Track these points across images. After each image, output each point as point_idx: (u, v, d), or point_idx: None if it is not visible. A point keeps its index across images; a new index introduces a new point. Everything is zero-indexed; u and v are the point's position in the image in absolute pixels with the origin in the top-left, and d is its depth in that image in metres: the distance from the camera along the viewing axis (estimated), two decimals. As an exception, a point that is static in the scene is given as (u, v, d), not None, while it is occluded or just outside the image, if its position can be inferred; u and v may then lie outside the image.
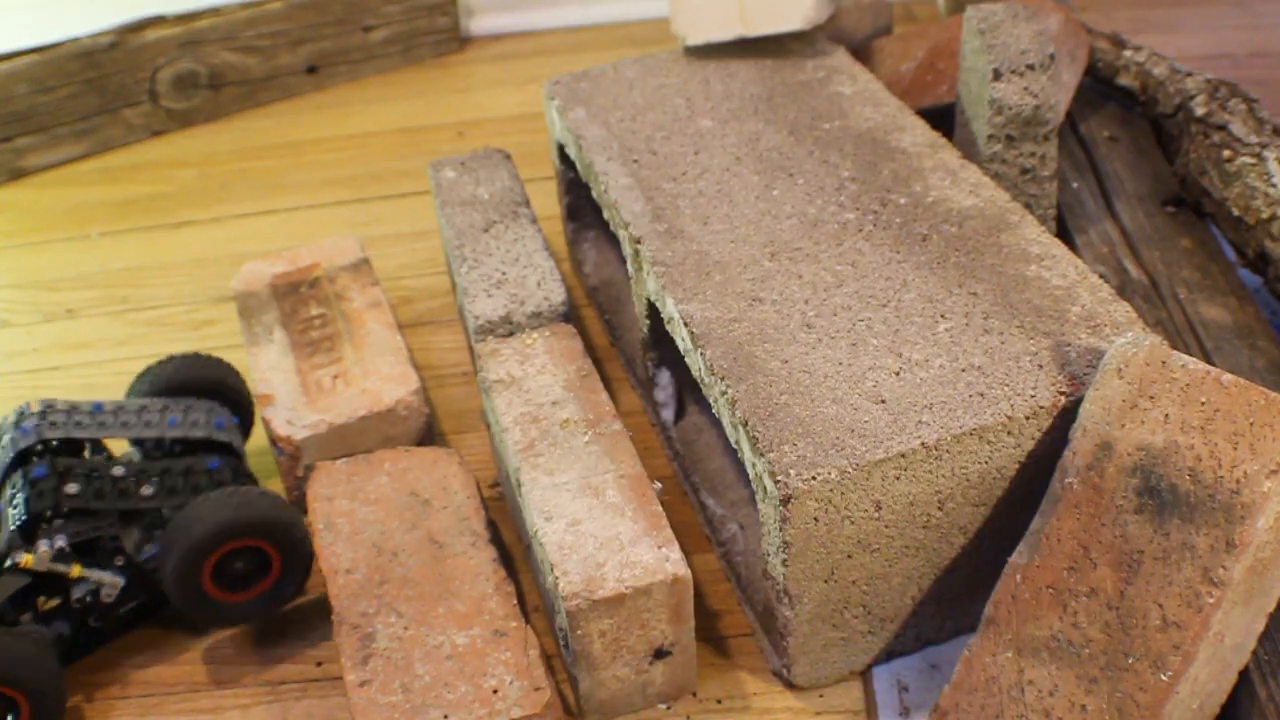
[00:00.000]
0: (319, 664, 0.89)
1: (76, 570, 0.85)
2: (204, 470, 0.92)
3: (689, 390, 1.02)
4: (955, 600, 0.83)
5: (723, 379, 0.80)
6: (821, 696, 0.83)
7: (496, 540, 0.89)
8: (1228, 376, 0.68)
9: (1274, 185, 1.01)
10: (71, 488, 0.87)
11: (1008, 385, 0.77)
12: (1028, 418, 0.75)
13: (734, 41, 1.17)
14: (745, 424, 0.77)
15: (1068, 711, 0.70)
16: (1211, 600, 0.65)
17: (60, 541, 0.85)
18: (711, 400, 0.83)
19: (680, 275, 0.89)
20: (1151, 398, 0.70)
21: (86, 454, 0.93)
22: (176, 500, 0.90)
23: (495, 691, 0.77)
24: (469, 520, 0.89)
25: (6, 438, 0.90)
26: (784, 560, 0.76)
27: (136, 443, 0.96)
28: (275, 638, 0.91)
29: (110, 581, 0.87)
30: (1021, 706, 0.71)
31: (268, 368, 1.03)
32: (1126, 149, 1.22)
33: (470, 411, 1.10)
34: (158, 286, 1.32)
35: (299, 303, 1.10)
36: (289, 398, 1.00)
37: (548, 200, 1.29)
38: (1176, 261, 1.05)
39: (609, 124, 1.07)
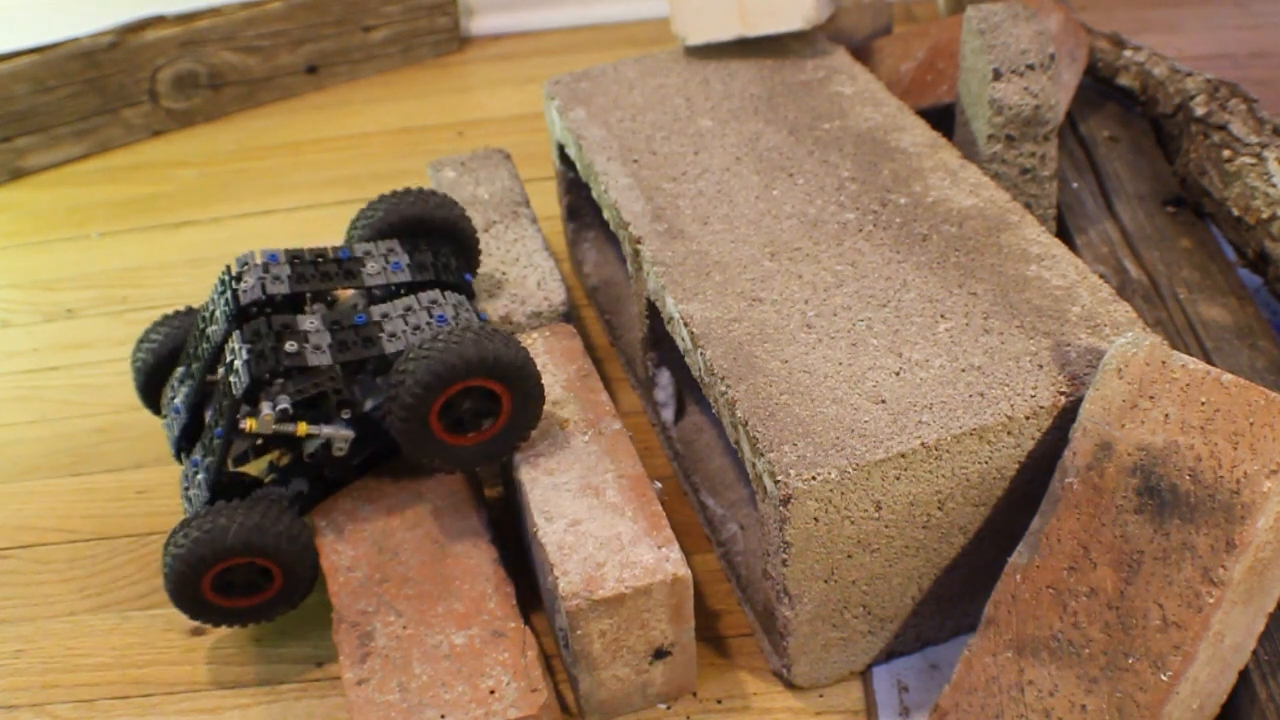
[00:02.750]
0: (319, 664, 0.89)
1: (303, 429, 0.83)
2: (427, 312, 0.87)
3: (689, 390, 1.02)
4: (955, 600, 0.83)
5: (723, 379, 0.80)
6: (821, 696, 0.83)
7: (497, 540, 0.89)
8: (1228, 376, 0.68)
9: (1274, 185, 1.01)
10: (291, 346, 0.83)
11: (1008, 385, 0.77)
12: (1028, 418, 0.75)
13: (734, 41, 1.17)
14: (745, 424, 0.77)
15: (1068, 711, 0.70)
16: (1211, 600, 0.65)
17: (283, 403, 0.82)
18: (711, 400, 0.83)
19: (680, 275, 0.89)
20: (1151, 398, 0.70)
21: (307, 307, 0.90)
22: (400, 345, 0.85)
23: (492, 692, 0.77)
24: (470, 519, 0.89)
25: (228, 293, 0.87)
26: (784, 560, 0.76)
27: (361, 292, 0.92)
28: (275, 638, 0.91)
29: (340, 436, 0.84)
30: (1021, 706, 0.71)
31: (268, 368, 1.03)
32: (1126, 149, 1.22)
33: (470, 411, 1.10)
34: (158, 286, 1.32)
35: (299, 303, 1.10)
36: (289, 398, 1.00)
37: (548, 200, 1.29)
38: (1176, 261, 1.05)
39: (609, 124, 1.07)
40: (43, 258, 1.39)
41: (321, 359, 0.83)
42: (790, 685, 0.84)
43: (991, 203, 0.93)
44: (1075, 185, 1.16)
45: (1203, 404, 0.68)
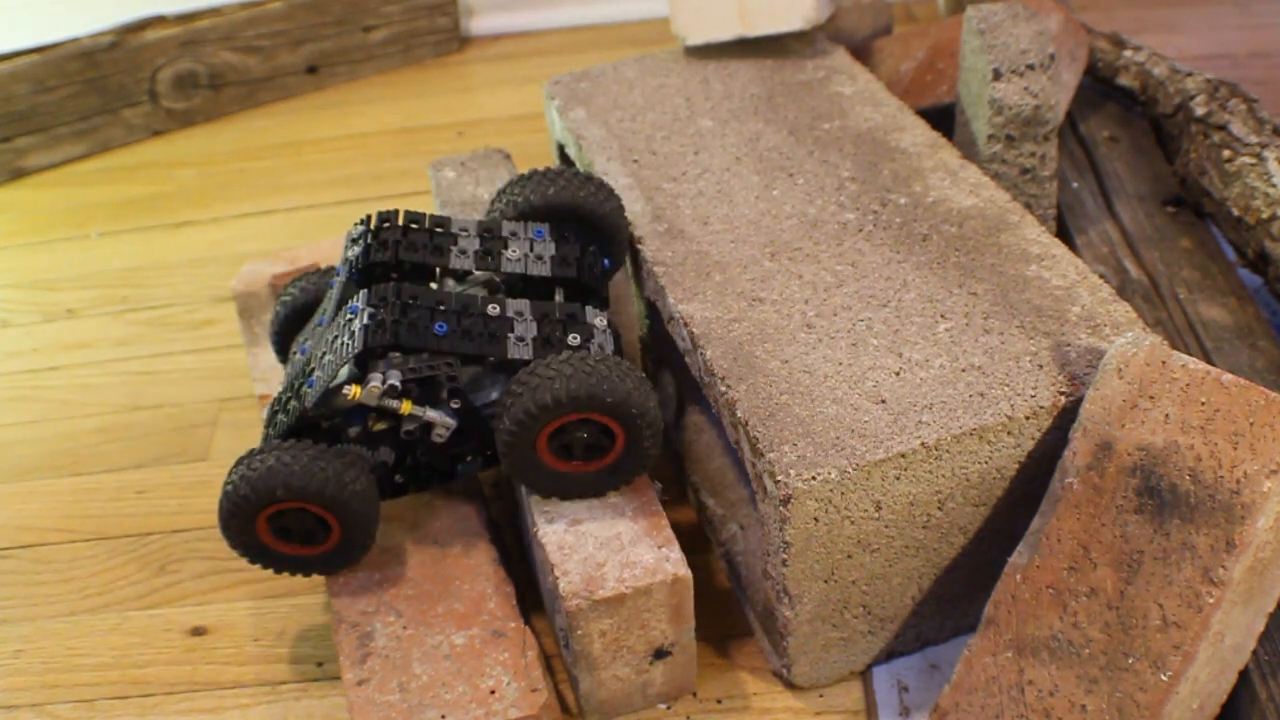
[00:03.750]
0: (319, 664, 0.89)
1: (406, 407, 0.79)
2: (563, 326, 0.82)
3: (689, 390, 1.02)
4: (955, 600, 0.83)
5: (723, 379, 0.80)
6: (821, 696, 0.83)
7: (497, 540, 0.89)
8: (1228, 376, 0.68)
9: (1274, 185, 1.01)
10: (413, 320, 0.78)
11: (1008, 385, 0.77)
12: (1028, 418, 0.75)
13: (734, 41, 1.17)
14: (745, 424, 0.77)
15: (1068, 711, 0.70)
16: (1211, 600, 0.65)
17: (394, 378, 0.78)
18: (711, 400, 0.83)
19: (680, 275, 0.89)
20: (1151, 398, 0.70)
21: (437, 280, 0.86)
22: (525, 353, 0.80)
23: (492, 692, 0.77)
24: (470, 520, 0.89)
25: (360, 247, 0.83)
26: (784, 560, 0.76)
27: (495, 275, 0.87)
28: (275, 638, 0.91)
29: (443, 423, 0.80)
30: (1021, 706, 0.71)
31: (268, 367, 1.03)
32: (1126, 149, 1.22)
33: (470, 411, 1.10)
34: (158, 286, 1.32)
35: (299, 303, 1.10)
36: (289, 398, 1.00)
37: (548, 200, 1.29)
38: (1176, 261, 1.05)
39: (609, 124, 1.07)
40: (43, 258, 1.39)
41: (441, 344, 0.78)
42: (790, 685, 0.84)
43: (991, 203, 0.93)
44: (1075, 185, 1.16)
45: (1203, 404, 0.68)
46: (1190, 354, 0.92)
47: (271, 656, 0.90)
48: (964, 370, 0.79)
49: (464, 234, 0.85)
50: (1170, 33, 1.58)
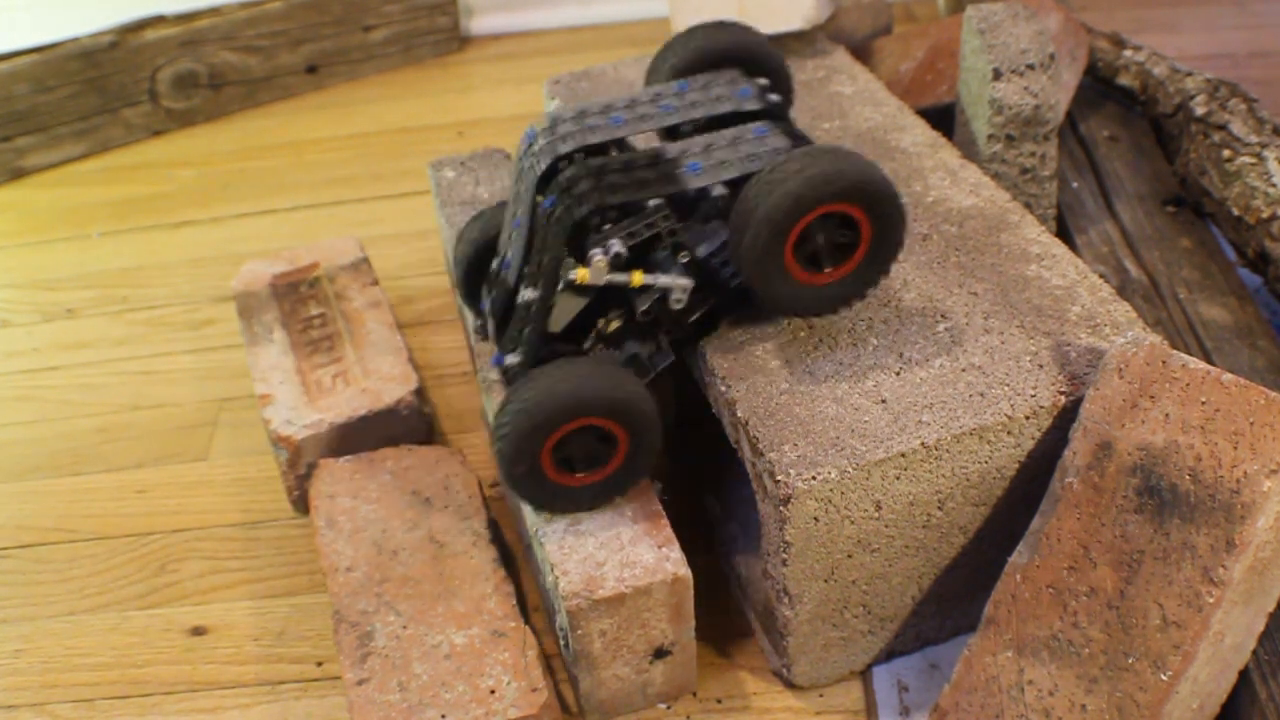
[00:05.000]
0: (319, 664, 0.89)
1: (638, 278, 0.75)
2: (752, 138, 0.78)
3: (689, 390, 1.02)
4: (955, 600, 0.83)
5: (723, 379, 0.80)
6: (821, 696, 0.83)
7: (497, 540, 0.89)
8: (1228, 376, 0.68)
9: (1274, 185, 1.01)
10: (616, 178, 0.75)
11: (1008, 385, 0.77)
12: (1028, 418, 0.75)
13: (734, 41, 1.17)
14: (745, 424, 0.77)
15: (1068, 711, 0.70)
16: (1211, 600, 0.65)
17: (616, 246, 0.74)
18: (711, 400, 0.83)
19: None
20: (1151, 397, 0.70)
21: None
22: (732, 173, 0.77)
23: (492, 692, 0.77)
24: (470, 520, 0.89)
25: (539, 144, 0.81)
26: (784, 560, 0.76)
27: (668, 133, 0.84)
28: (275, 638, 0.91)
29: (679, 285, 0.76)
30: (1021, 706, 0.71)
31: (268, 367, 1.03)
32: (1126, 149, 1.22)
33: (470, 411, 1.10)
34: (158, 286, 1.32)
35: (299, 302, 1.10)
36: (289, 397, 1.00)
37: (548, 200, 1.29)
38: (1176, 261, 1.05)
39: (609, 124, 1.07)
40: (43, 258, 1.39)
41: (647, 193, 0.74)
42: (790, 685, 0.84)
43: (991, 202, 0.93)
44: (1075, 185, 1.16)
45: (1203, 404, 0.68)
46: (1190, 354, 0.92)
47: (271, 656, 0.90)
48: (964, 370, 0.79)
49: (634, 103, 0.82)
50: (1170, 33, 1.58)
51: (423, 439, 1.01)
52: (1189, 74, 1.19)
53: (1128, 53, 1.26)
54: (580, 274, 0.74)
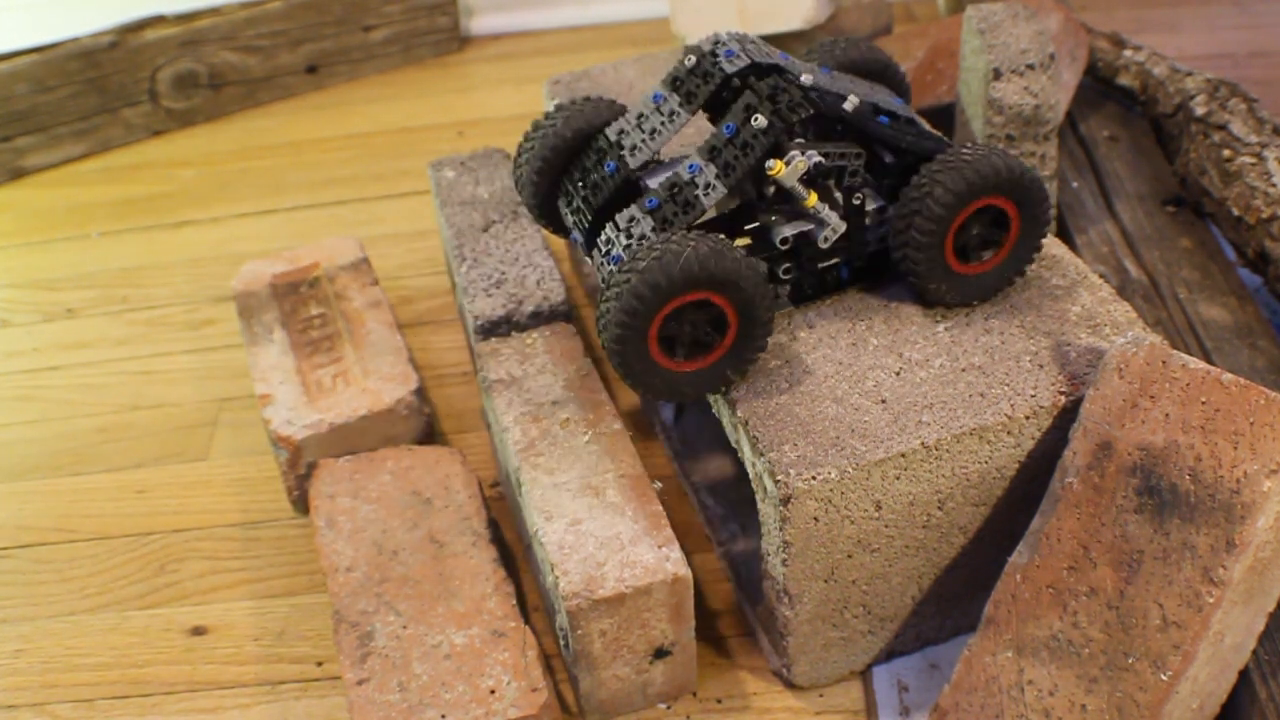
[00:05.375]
0: (319, 664, 0.89)
1: (813, 199, 0.77)
2: (929, 135, 0.83)
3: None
4: (955, 600, 0.83)
5: (723, 379, 0.80)
6: (821, 696, 0.83)
7: (497, 540, 0.89)
8: (1228, 376, 0.68)
9: (1274, 185, 1.01)
10: (850, 103, 0.78)
11: (1008, 385, 0.77)
12: (1028, 418, 0.75)
13: (734, 41, 1.17)
14: (745, 424, 0.77)
15: (1068, 711, 0.70)
16: (1211, 600, 0.65)
17: (816, 157, 0.76)
18: (711, 400, 0.83)
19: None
20: (1151, 397, 0.70)
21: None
22: (918, 145, 0.81)
23: (492, 692, 0.77)
24: (470, 520, 0.89)
25: (714, 56, 0.81)
26: (784, 560, 0.76)
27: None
28: (275, 638, 0.91)
29: (835, 224, 0.79)
30: (1021, 706, 0.71)
31: (268, 367, 1.03)
32: (1126, 149, 1.22)
33: (470, 411, 1.10)
34: (158, 286, 1.32)
35: (299, 302, 1.10)
36: (289, 397, 1.00)
37: (548, 200, 1.29)
38: (1176, 261, 1.05)
39: (609, 124, 1.07)
40: (43, 258, 1.39)
41: (856, 124, 0.78)
42: (790, 685, 0.84)
43: (991, 203, 0.93)
44: (1075, 185, 1.16)
45: (1203, 404, 0.68)
46: (1190, 354, 0.92)
47: (271, 656, 0.90)
48: (964, 370, 0.79)
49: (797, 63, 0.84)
50: (1170, 33, 1.58)
51: (423, 439, 1.01)
52: (1189, 74, 1.19)
53: (1128, 53, 1.26)
54: (777, 166, 0.76)
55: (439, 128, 1.57)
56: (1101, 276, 0.88)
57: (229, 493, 1.05)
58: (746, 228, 0.81)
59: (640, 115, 0.85)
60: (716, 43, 0.82)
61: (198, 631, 0.93)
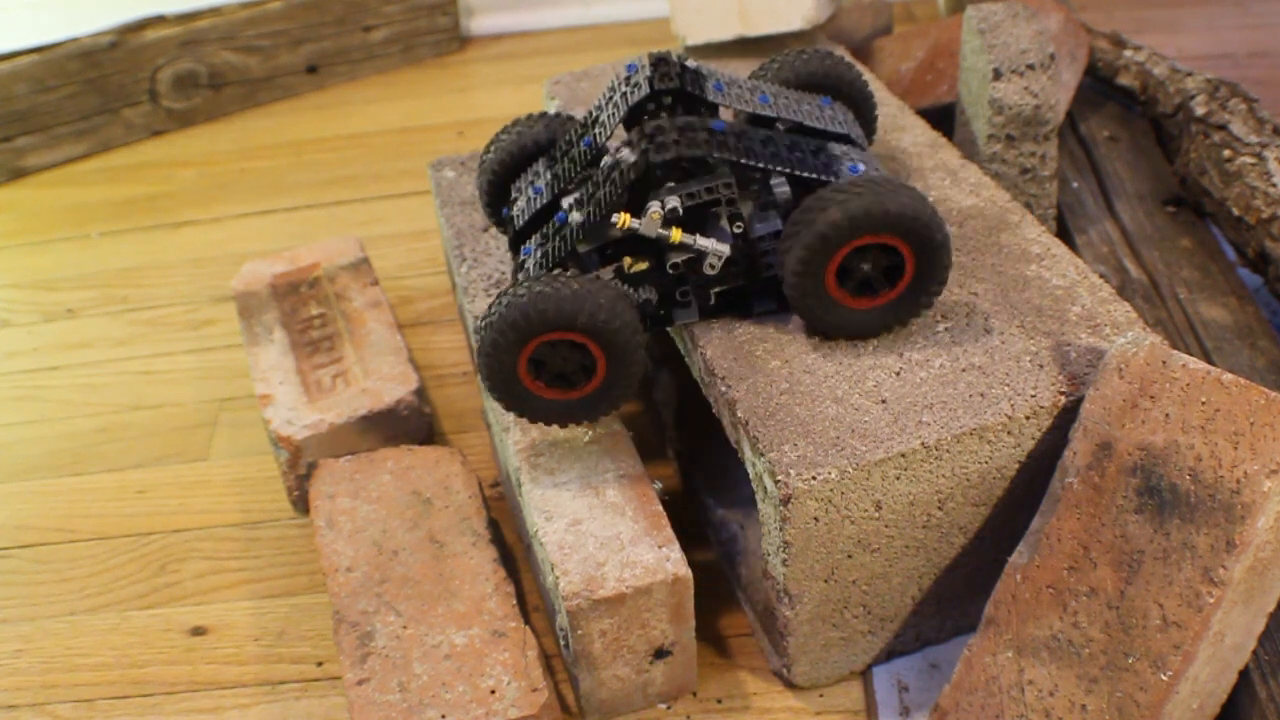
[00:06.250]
0: (319, 664, 0.89)
1: (676, 235, 0.77)
2: (832, 155, 0.81)
3: (689, 390, 1.02)
4: (955, 600, 0.83)
5: (723, 379, 0.80)
6: (821, 696, 0.83)
7: (497, 540, 0.89)
8: (1228, 376, 0.68)
9: (1274, 185, 1.01)
10: (701, 135, 0.77)
11: (1008, 385, 0.77)
12: (1028, 418, 0.75)
13: (734, 41, 1.17)
14: (745, 424, 0.77)
15: (1068, 711, 0.70)
16: (1212, 600, 0.65)
17: (673, 203, 0.76)
18: (711, 400, 0.83)
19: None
20: (1152, 397, 0.70)
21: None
22: (803, 173, 0.79)
23: (493, 692, 0.77)
24: (470, 520, 0.89)
25: (640, 77, 0.82)
26: (784, 560, 0.76)
27: (755, 122, 0.86)
28: (275, 638, 0.91)
29: (715, 251, 0.78)
30: (1021, 706, 0.71)
31: (268, 367, 1.03)
32: (1126, 149, 1.22)
33: (470, 411, 1.10)
34: (158, 286, 1.32)
35: (299, 302, 1.10)
36: (289, 397, 1.00)
37: (548, 200, 1.29)
38: (1176, 261, 1.05)
39: (609, 124, 1.07)
40: (43, 258, 1.39)
41: (725, 155, 0.77)
42: (790, 685, 0.84)
43: (991, 203, 0.93)
44: (1075, 185, 1.16)
45: (1203, 404, 0.68)
46: (1190, 354, 0.92)
47: (271, 656, 0.90)
48: (964, 370, 0.79)
49: (728, 84, 0.85)
50: (1170, 33, 1.58)
51: (423, 439, 1.01)
52: (1189, 74, 1.19)
53: (1128, 53, 1.26)
54: (623, 219, 0.77)
55: (439, 128, 1.57)
56: (1101, 276, 0.88)
57: (229, 493, 1.05)
58: (647, 252, 0.81)
59: (570, 135, 0.87)
60: (656, 63, 0.83)
61: (198, 631, 0.93)
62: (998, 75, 1.00)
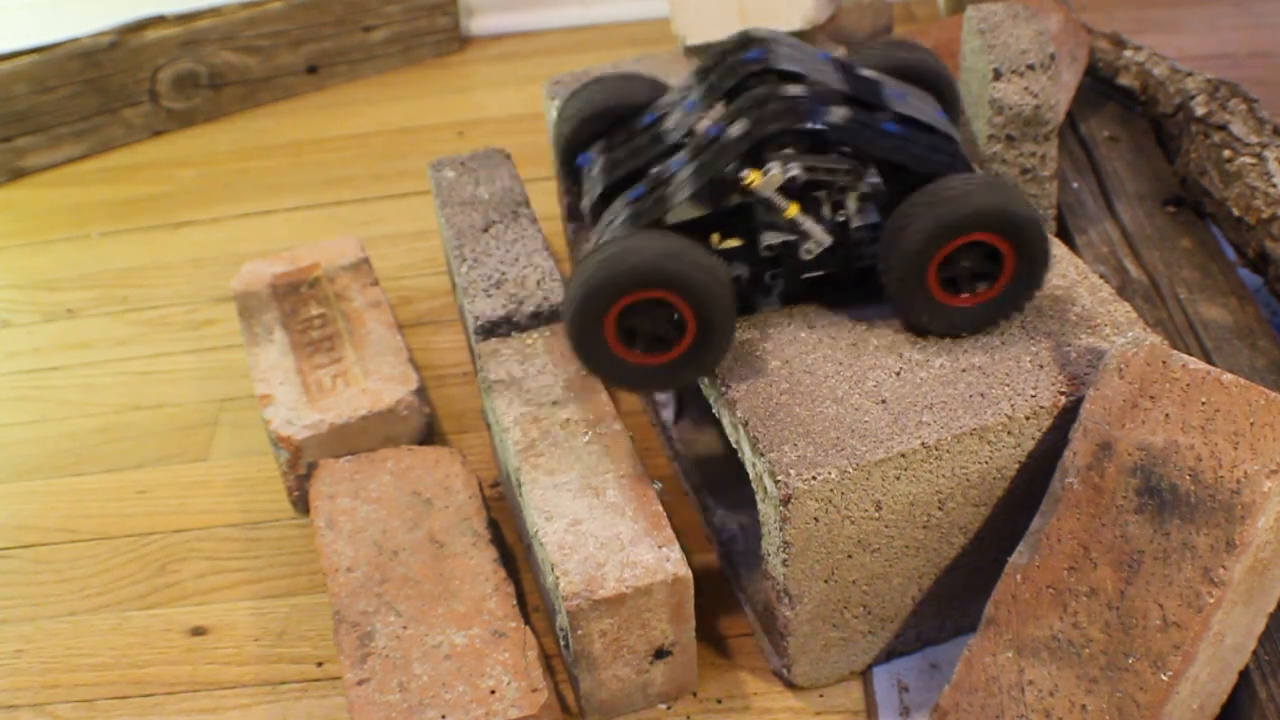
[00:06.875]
0: (319, 664, 0.89)
1: (793, 210, 0.76)
2: (935, 150, 0.80)
3: (689, 390, 1.02)
4: (955, 600, 0.83)
5: (723, 379, 0.80)
6: (822, 696, 0.83)
7: (497, 540, 0.89)
8: (1228, 376, 0.68)
9: (1274, 185, 1.01)
10: (838, 115, 0.76)
11: (1008, 385, 0.77)
12: (1028, 418, 0.75)
13: (734, 41, 1.17)
14: (745, 424, 0.77)
15: (1068, 711, 0.70)
16: (1212, 600, 0.65)
17: (794, 170, 0.75)
18: (711, 400, 0.83)
19: (680, 275, 0.89)
20: (1152, 398, 0.70)
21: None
22: (922, 169, 0.79)
23: (493, 692, 0.77)
24: (470, 520, 0.89)
25: (729, 59, 0.82)
26: (784, 560, 0.76)
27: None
28: (275, 638, 0.91)
29: (819, 237, 0.77)
30: (1021, 706, 0.71)
31: (268, 368, 1.03)
32: (1126, 149, 1.22)
33: (470, 411, 1.10)
34: (158, 286, 1.32)
35: (299, 303, 1.10)
36: (289, 398, 1.00)
37: (548, 200, 1.29)
38: (1176, 261, 1.05)
39: (609, 124, 1.07)
40: (43, 258, 1.39)
41: (850, 141, 0.76)
42: (790, 685, 0.84)
43: (991, 203, 0.93)
44: (1075, 185, 1.16)
45: (1203, 404, 0.68)
46: (1190, 354, 0.92)
47: (271, 656, 0.90)
48: (964, 370, 0.79)
49: (841, 66, 0.84)
50: (1170, 33, 1.58)
51: (423, 439, 1.01)
52: (1189, 74, 1.19)
53: (1128, 53, 1.26)
54: (752, 177, 0.75)
55: (439, 128, 1.57)
56: (1101, 276, 0.88)
57: (229, 493, 1.05)
58: (740, 230, 0.80)
59: (668, 104, 0.85)
60: (746, 41, 0.82)
61: (198, 631, 0.93)
62: (998, 75, 1.00)
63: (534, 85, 1.60)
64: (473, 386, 1.13)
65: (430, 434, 1.02)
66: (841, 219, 0.79)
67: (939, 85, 0.91)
